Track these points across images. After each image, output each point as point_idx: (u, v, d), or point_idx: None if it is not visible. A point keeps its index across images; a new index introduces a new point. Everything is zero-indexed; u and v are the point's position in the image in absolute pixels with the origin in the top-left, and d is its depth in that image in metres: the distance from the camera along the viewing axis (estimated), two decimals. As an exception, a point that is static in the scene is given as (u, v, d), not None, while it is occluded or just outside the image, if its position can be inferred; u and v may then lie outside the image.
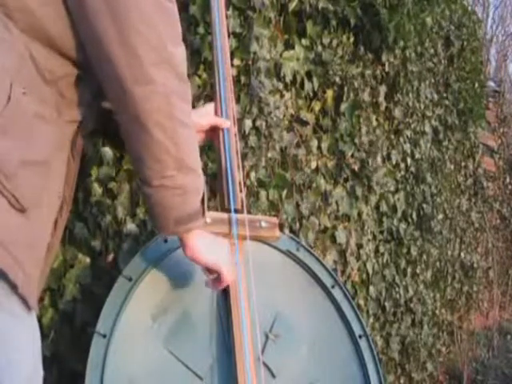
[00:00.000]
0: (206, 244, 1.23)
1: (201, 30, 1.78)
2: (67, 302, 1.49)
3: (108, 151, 1.57)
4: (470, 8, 4.30)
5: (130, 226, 1.61)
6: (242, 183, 1.59)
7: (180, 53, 1.05)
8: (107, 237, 1.57)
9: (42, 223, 1.03)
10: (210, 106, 1.52)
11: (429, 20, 3.04)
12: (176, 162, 1.06)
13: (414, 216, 3.18)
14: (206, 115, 1.50)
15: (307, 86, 2.25)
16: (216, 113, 1.51)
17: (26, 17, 0.97)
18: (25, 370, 0.99)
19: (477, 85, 4.15)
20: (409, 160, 3.11)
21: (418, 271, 3.22)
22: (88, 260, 1.53)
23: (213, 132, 1.52)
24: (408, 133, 3.09)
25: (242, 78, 1.93)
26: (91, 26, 0.98)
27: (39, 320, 1.45)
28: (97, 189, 1.55)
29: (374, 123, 2.69)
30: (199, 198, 1.14)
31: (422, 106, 3.29)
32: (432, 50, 3.46)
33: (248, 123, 1.93)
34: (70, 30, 1.01)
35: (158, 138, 1.03)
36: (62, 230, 1.19)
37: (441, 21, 3.53)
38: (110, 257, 1.56)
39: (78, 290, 1.50)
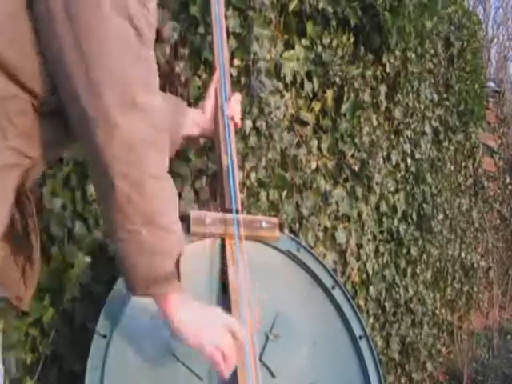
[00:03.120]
0: (190, 319, 1.10)
1: (201, 30, 1.78)
2: (67, 302, 1.49)
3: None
4: (470, 9, 4.30)
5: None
6: (242, 184, 1.59)
7: (156, 101, 0.97)
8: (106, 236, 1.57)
9: None
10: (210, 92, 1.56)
11: (429, 21, 3.04)
12: (142, 216, 0.96)
13: (414, 216, 3.18)
14: (207, 99, 1.53)
15: (307, 86, 2.25)
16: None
17: None
18: None
19: (477, 85, 4.15)
20: (409, 160, 3.11)
21: (418, 271, 3.22)
22: (88, 260, 1.53)
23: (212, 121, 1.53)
24: (408, 133, 3.10)
25: (242, 79, 1.93)
26: (59, 60, 0.92)
27: (40, 319, 1.46)
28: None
29: (375, 123, 2.69)
30: (171, 260, 1.02)
31: (422, 107, 3.29)
32: (432, 51, 3.47)
33: (248, 123, 1.93)
34: (29, 54, 0.93)
35: (120, 187, 0.94)
36: (39, 256, 1.10)
37: (441, 21, 3.53)
38: (102, 254, 1.56)
39: (78, 290, 1.50)
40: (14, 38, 0.93)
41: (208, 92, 1.56)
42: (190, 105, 1.78)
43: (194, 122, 1.52)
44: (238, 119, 1.57)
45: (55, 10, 0.91)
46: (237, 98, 1.57)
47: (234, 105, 1.55)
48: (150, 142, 0.96)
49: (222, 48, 1.58)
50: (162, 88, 1.70)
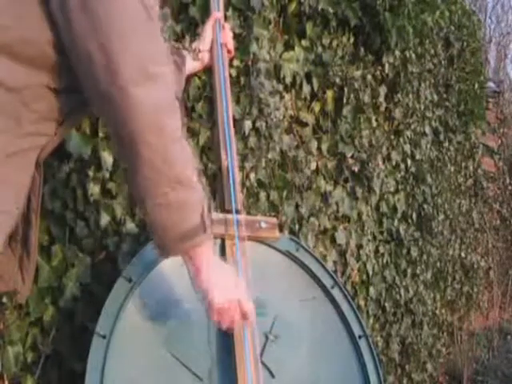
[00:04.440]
0: (212, 268, 1.16)
1: (200, 30, 1.78)
2: (67, 301, 1.49)
3: (107, 157, 1.55)
4: (468, 8, 4.29)
5: (130, 226, 1.61)
6: (242, 184, 1.60)
7: (166, 68, 1.04)
8: (106, 236, 1.58)
9: None
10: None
11: (429, 21, 3.04)
12: (168, 179, 1.04)
13: (414, 217, 3.18)
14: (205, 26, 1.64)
15: (307, 87, 2.25)
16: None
17: None
18: None
19: (477, 86, 4.15)
20: (409, 161, 3.11)
21: (418, 272, 3.22)
22: (88, 259, 1.53)
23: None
24: (408, 133, 3.10)
25: (242, 79, 1.93)
26: (76, 44, 0.97)
27: (40, 318, 1.46)
28: (95, 189, 1.55)
29: (374, 124, 2.70)
30: (198, 213, 1.10)
31: (422, 107, 3.29)
32: (432, 51, 3.47)
33: (248, 124, 1.93)
34: (38, 35, 0.98)
35: (147, 156, 1.00)
36: (36, 242, 1.15)
37: (440, 22, 3.53)
38: (103, 254, 1.57)
39: (78, 289, 1.51)
40: (20, 24, 0.97)
41: (205, 28, 1.65)
42: (191, 106, 1.79)
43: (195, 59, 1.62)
44: (230, 46, 1.68)
45: None
46: (227, 26, 1.69)
47: (226, 32, 1.67)
48: (167, 109, 1.02)
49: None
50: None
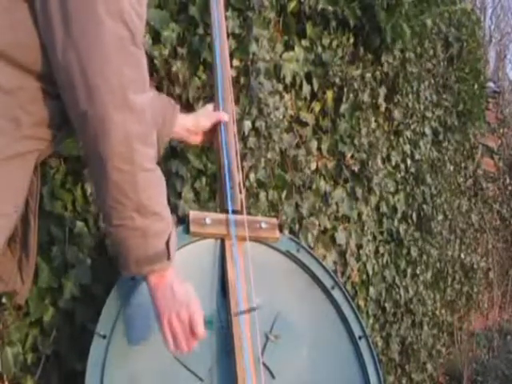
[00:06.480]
0: (167, 294, 1.17)
1: (200, 30, 1.78)
2: (67, 301, 1.49)
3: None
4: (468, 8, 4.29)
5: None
6: (242, 184, 1.59)
7: (144, 98, 1.05)
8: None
9: None
10: (210, 106, 1.58)
11: (428, 21, 3.04)
12: (135, 204, 1.06)
13: (414, 217, 3.18)
14: (207, 115, 1.55)
15: (307, 87, 2.25)
16: (215, 110, 1.56)
17: None
18: None
19: (476, 86, 4.15)
20: (409, 161, 3.11)
21: (417, 272, 3.22)
22: (88, 260, 1.53)
23: (213, 133, 1.55)
24: (408, 134, 3.10)
25: (242, 79, 1.93)
26: (58, 60, 0.98)
27: (40, 319, 1.46)
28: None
29: (374, 124, 2.70)
30: (162, 240, 1.13)
31: (422, 107, 3.29)
32: (431, 51, 3.47)
33: (247, 124, 1.93)
34: (31, 41, 0.99)
35: (115, 180, 1.03)
36: (36, 243, 1.18)
37: (440, 22, 3.53)
38: (103, 254, 1.57)
39: (78, 290, 1.50)
40: (14, 30, 0.98)
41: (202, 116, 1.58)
42: (190, 106, 1.78)
43: (185, 125, 1.54)
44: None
45: (51, 12, 0.97)
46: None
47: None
48: (141, 138, 1.04)
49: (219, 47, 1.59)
50: (161, 89, 1.70)
